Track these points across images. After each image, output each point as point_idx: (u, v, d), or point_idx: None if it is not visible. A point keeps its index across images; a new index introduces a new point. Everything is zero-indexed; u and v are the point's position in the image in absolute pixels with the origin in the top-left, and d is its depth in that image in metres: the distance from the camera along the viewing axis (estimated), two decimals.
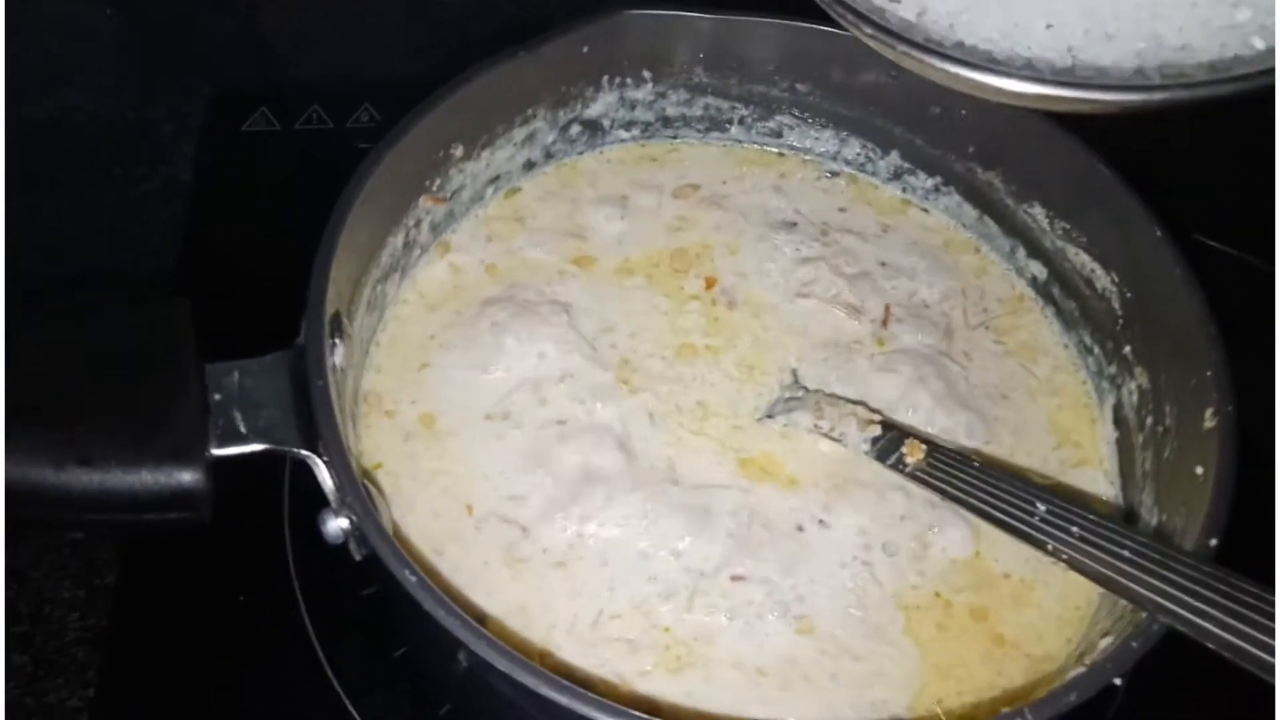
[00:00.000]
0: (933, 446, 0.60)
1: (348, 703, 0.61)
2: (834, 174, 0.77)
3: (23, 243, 0.82)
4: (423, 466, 0.61)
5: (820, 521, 0.59)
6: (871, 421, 0.62)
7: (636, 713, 0.42)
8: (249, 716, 0.62)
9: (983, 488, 0.57)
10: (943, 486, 0.58)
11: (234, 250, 0.83)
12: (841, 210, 0.75)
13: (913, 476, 0.59)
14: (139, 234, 0.88)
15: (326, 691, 0.62)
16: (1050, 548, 0.53)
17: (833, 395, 0.64)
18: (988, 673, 0.56)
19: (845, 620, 0.56)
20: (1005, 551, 0.59)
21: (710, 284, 0.70)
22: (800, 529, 0.59)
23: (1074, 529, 0.53)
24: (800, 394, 0.64)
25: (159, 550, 0.68)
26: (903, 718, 0.54)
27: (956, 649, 0.56)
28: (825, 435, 0.62)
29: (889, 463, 0.60)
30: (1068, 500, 0.55)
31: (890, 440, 0.61)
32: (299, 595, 0.65)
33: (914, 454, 0.60)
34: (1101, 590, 0.56)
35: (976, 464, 0.59)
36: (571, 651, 0.54)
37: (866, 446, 0.61)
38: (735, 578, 0.57)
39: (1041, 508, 0.55)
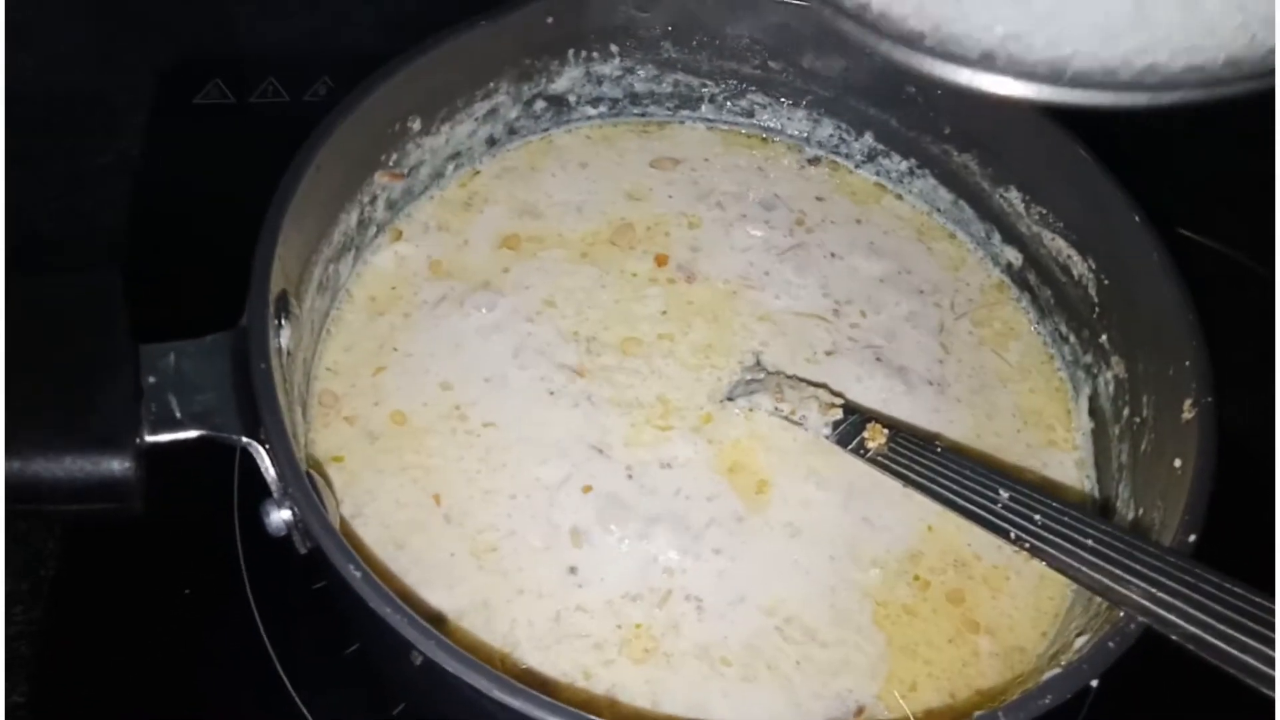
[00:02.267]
0: (895, 431, 0.59)
1: (299, 701, 0.59)
2: (815, 160, 0.75)
3: None
4: (390, 461, 0.58)
5: (786, 503, 0.58)
6: (833, 405, 0.60)
7: (590, 716, 0.40)
8: (197, 714, 0.60)
9: (944, 473, 0.56)
10: (904, 472, 0.57)
11: (182, 228, 0.80)
12: (820, 199, 0.73)
13: (873, 461, 0.58)
14: (90, 209, 0.84)
15: (277, 689, 0.59)
16: (1013, 535, 0.52)
17: (794, 377, 0.62)
18: (959, 654, 0.55)
19: (812, 604, 0.55)
20: (977, 536, 0.58)
21: (661, 261, 0.68)
22: (765, 514, 0.58)
23: (1037, 517, 0.52)
24: (761, 376, 0.63)
25: (101, 540, 0.65)
26: (867, 705, 0.52)
27: (926, 631, 0.55)
28: (786, 418, 0.60)
29: (850, 447, 0.59)
30: (1032, 488, 0.54)
31: (852, 424, 0.60)
32: (248, 589, 0.62)
33: (875, 438, 0.58)
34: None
35: (939, 448, 0.58)
36: (533, 646, 0.52)
37: (828, 431, 0.60)
38: (698, 569, 0.55)
39: (1004, 494, 0.54)
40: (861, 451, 0.58)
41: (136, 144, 0.88)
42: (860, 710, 0.52)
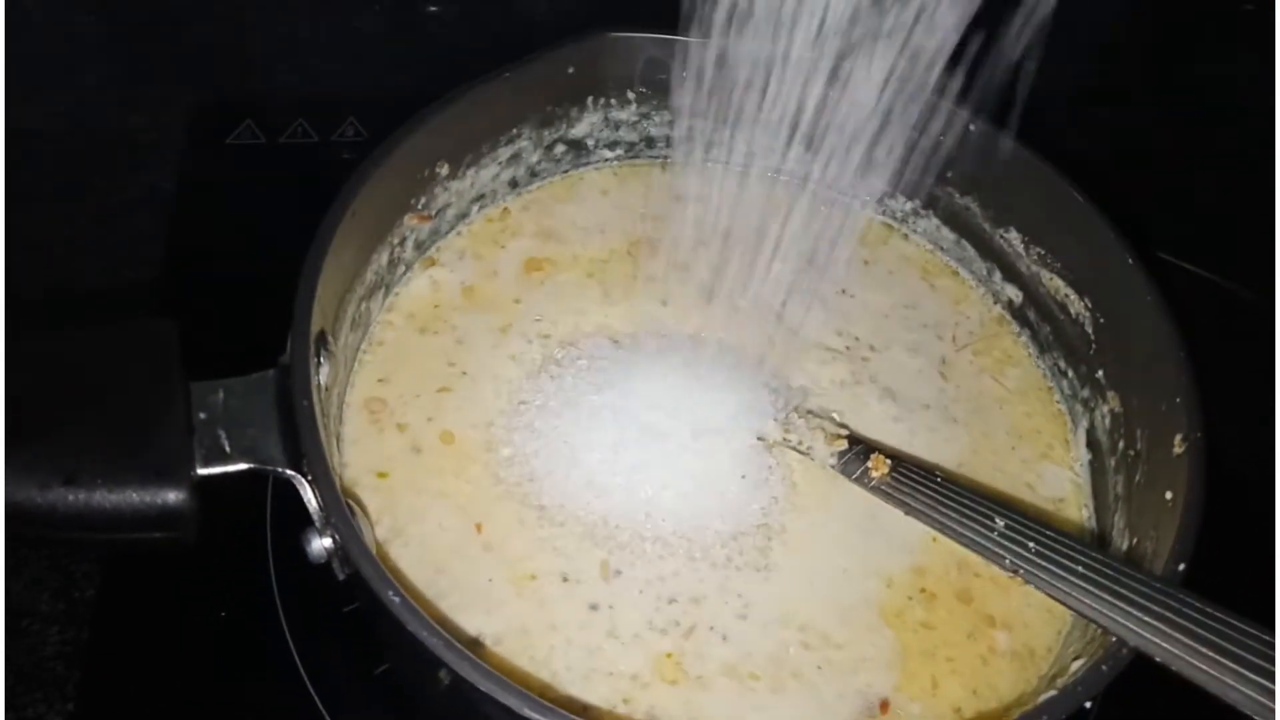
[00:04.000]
0: (897, 461, 0.61)
1: (329, 718, 0.61)
2: (829, 204, 0.78)
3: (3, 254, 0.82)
4: (432, 483, 0.60)
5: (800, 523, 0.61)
6: (839, 436, 0.63)
7: None
8: None
9: (944, 502, 0.58)
10: (905, 500, 0.59)
11: (217, 264, 0.83)
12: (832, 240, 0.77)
13: (876, 490, 0.60)
14: (117, 245, 0.87)
15: (308, 707, 0.62)
16: (1007, 563, 0.55)
17: (802, 409, 0.65)
18: (978, 649, 0.57)
19: (826, 612, 0.57)
20: None
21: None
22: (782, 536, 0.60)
23: (1030, 544, 0.54)
24: (771, 407, 0.65)
25: (141, 565, 0.67)
26: (888, 697, 0.55)
27: (943, 630, 0.58)
28: (793, 449, 0.63)
29: (853, 477, 0.61)
30: (1027, 517, 0.56)
31: (856, 454, 0.62)
32: (280, 612, 0.64)
33: (879, 469, 0.61)
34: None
35: (939, 478, 0.60)
36: (571, 674, 0.54)
37: (833, 460, 0.62)
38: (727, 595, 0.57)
39: (1000, 523, 0.56)
40: (865, 481, 0.61)
41: (167, 181, 0.90)
42: (885, 703, 0.55)
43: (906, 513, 0.59)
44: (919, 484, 0.60)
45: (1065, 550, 0.53)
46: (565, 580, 0.57)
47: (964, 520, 0.57)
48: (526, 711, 0.43)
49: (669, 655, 0.55)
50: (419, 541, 0.58)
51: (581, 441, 0.61)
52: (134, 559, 0.67)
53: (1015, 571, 0.54)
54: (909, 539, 0.61)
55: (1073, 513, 0.64)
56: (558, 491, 0.60)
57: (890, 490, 0.60)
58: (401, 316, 0.68)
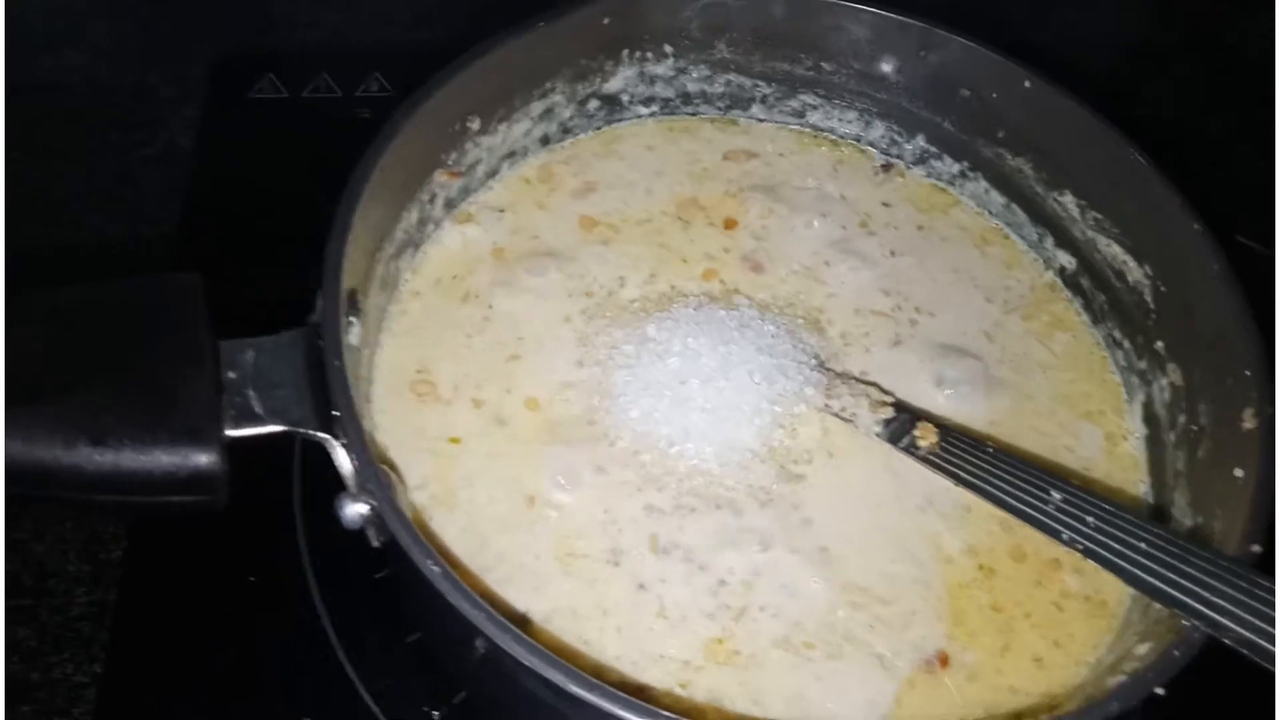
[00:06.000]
0: (945, 430, 0.59)
1: (360, 686, 0.60)
2: (887, 167, 0.76)
3: (17, 207, 0.81)
4: (479, 450, 0.58)
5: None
6: (884, 403, 0.61)
7: (666, 713, 0.41)
8: (260, 698, 0.61)
9: (996, 473, 0.56)
10: (955, 471, 0.57)
11: (237, 220, 0.82)
12: (886, 204, 0.74)
13: (925, 460, 0.59)
14: (136, 200, 0.86)
15: (338, 674, 0.61)
16: (1065, 537, 0.53)
17: (845, 374, 0.63)
18: (1049, 595, 0.56)
19: (867, 565, 0.56)
20: None
21: (730, 224, 0.70)
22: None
23: (1089, 519, 0.53)
24: (815, 373, 0.63)
25: (168, 528, 0.66)
26: (944, 649, 0.54)
27: (1008, 583, 0.57)
28: (836, 415, 0.61)
29: (901, 445, 0.59)
30: (1084, 490, 0.54)
31: (902, 422, 0.60)
32: (310, 577, 0.64)
33: (927, 437, 0.59)
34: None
35: (990, 449, 0.58)
36: (616, 650, 0.53)
37: (879, 428, 0.60)
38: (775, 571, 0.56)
39: (1057, 496, 0.54)
40: (913, 449, 0.59)
41: (185, 136, 0.89)
42: (943, 656, 0.54)
43: (956, 483, 0.58)
44: (969, 454, 0.58)
45: (1126, 526, 0.51)
46: (615, 561, 0.56)
47: (1018, 492, 0.55)
48: (573, 688, 0.41)
49: (720, 640, 0.54)
50: (466, 511, 0.56)
51: (632, 407, 0.59)
52: (161, 522, 0.66)
53: (1073, 546, 0.52)
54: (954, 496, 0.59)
55: (1130, 488, 0.62)
56: (609, 460, 0.58)
57: (939, 460, 0.58)
58: (428, 282, 0.66)
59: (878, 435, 0.60)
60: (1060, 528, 0.53)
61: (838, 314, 0.67)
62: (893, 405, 0.61)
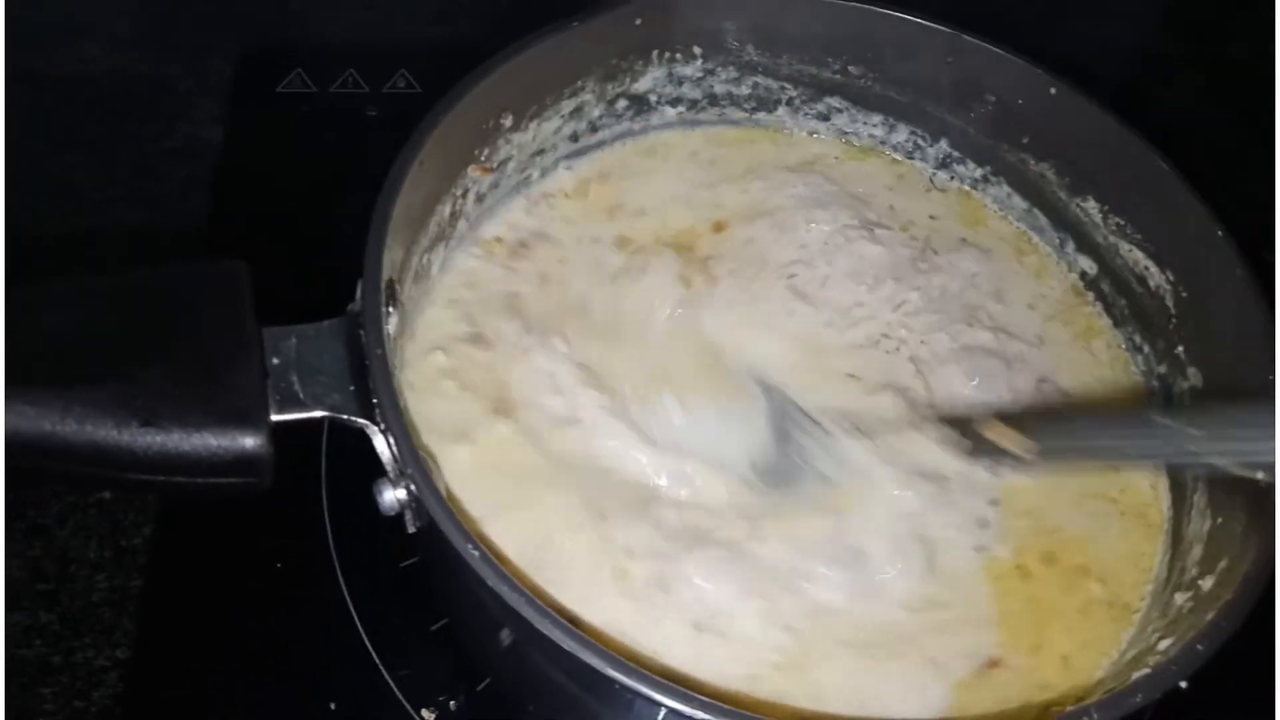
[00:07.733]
0: (1004, 417, 0.58)
1: (385, 672, 0.61)
2: (942, 190, 0.77)
3: (38, 197, 0.81)
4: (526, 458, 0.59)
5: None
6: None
7: (703, 698, 0.42)
8: (285, 684, 0.62)
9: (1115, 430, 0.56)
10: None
11: (266, 211, 0.82)
12: (933, 217, 0.75)
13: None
14: (156, 192, 0.86)
15: (364, 660, 0.61)
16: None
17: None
18: (1075, 601, 0.58)
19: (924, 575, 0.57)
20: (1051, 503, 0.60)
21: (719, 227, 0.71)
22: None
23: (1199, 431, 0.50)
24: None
25: (193, 514, 0.67)
26: (994, 655, 0.55)
27: (1040, 587, 0.58)
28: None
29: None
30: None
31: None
32: (336, 564, 0.64)
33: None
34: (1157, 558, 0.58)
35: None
36: (673, 654, 0.53)
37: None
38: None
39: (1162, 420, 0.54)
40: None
41: (206, 128, 0.89)
42: (995, 660, 0.55)
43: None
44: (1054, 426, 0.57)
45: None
46: (666, 588, 0.55)
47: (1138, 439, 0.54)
48: (611, 672, 0.42)
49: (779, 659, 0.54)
50: (519, 516, 0.56)
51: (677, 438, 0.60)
52: (186, 505, 0.67)
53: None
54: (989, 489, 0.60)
55: (1146, 491, 0.63)
56: (666, 482, 0.59)
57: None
58: (462, 282, 0.67)
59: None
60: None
61: (891, 328, 0.67)
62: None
